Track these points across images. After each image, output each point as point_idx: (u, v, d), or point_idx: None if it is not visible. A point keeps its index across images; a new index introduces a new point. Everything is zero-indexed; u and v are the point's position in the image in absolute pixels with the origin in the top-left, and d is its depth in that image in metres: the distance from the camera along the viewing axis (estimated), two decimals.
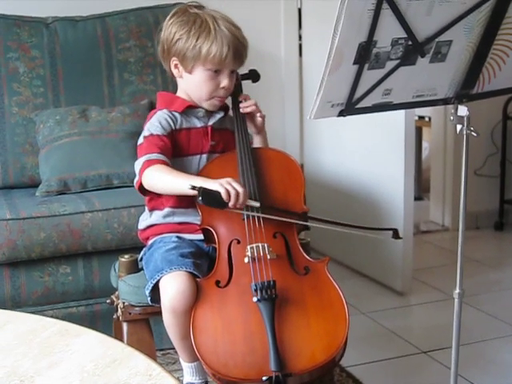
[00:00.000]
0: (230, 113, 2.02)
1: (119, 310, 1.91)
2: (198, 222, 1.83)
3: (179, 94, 1.98)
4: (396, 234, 1.82)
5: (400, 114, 2.96)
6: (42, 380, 1.21)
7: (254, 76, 2.11)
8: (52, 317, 2.33)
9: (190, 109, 1.94)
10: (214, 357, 1.60)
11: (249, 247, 1.74)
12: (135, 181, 1.86)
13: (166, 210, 1.90)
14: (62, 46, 2.93)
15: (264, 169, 1.90)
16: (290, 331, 1.62)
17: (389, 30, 1.46)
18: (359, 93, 1.55)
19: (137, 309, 1.88)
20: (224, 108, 1.99)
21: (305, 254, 1.80)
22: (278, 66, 3.67)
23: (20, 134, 2.82)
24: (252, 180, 1.84)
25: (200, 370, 1.84)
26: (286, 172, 1.93)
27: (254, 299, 1.62)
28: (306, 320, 1.65)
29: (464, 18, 1.50)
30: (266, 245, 1.75)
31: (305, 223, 1.83)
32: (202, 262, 1.81)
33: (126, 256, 1.95)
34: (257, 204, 1.74)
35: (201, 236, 1.86)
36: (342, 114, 1.58)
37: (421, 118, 4.52)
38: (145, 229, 1.97)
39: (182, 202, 1.85)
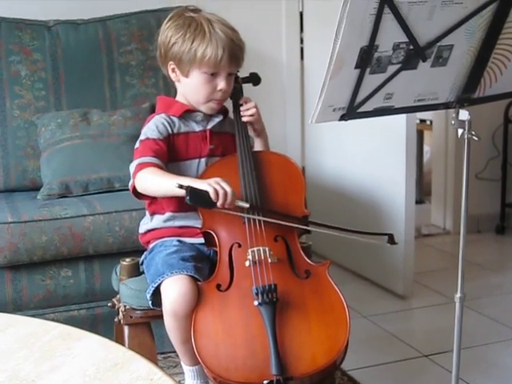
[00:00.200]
0: (230, 115, 2.02)
1: (120, 313, 1.91)
2: (199, 226, 1.83)
3: (178, 98, 1.98)
4: (391, 239, 1.81)
5: (401, 117, 2.96)
6: None
7: (254, 79, 2.11)
8: (53, 320, 2.33)
9: (188, 113, 1.94)
10: (215, 360, 1.60)
11: (250, 251, 1.74)
12: (129, 184, 1.86)
13: (167, 214, 1.90)
14: (63, 49, 2.94)
15: (265, 172, 1.90)
16: (291, 335, 1.62)
17: (390, 35, 1.46)
18: (361, 97, 1.55)
19: (138, 312, 1.88)
20: (223, 111, 1.99)
21: (306, 258, 1.80)
22: (280, 69, 3.68)
23: (22, 137, 2.82)
24: (253, 183, 1.84)
25: (201, 374, 1.84)
26: (286, 175, 1.93)
27: (255, 303, 1.62)
28: (307, 324, 1.65)
29: (465, 23, 1.51)
30: (266, 248, 1.75)
31: (300, 226, 1.82)
32: (203, 265, 1.81)
33: (128, 259, 1.95)
34: (246, 205, 1.73)
35: (202, 240, 1.86)
36: (343, 118, 1.59)
37: (422, 121, 4.52)
38: (145, 233, 1.97)
39: (183, 206, 1.85)
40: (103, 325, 2.45)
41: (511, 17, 1.55)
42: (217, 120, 1.96)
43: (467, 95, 1.68)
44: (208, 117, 1.95)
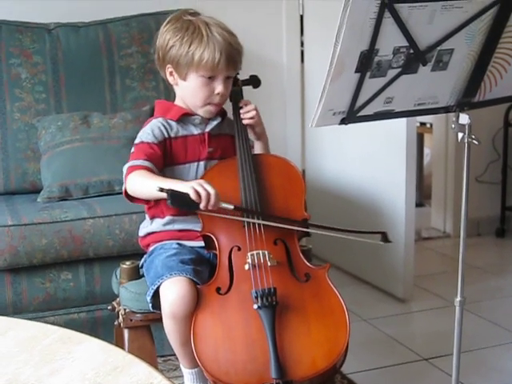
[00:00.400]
0: (229, 116, 2.01)
1: (120, 316, 1.91)
2: (199, 229, 1.83)
3: (177, 101, 1.98)
4: (385, 238, 1.81)
5: (401, 120, 2.95)
6: None
7: (254, 82, 2.11)
8: (53, 323, 2.33)
9: (186, 116, 1.94)
10: (215, 364, 1.60)
11: (249, 254, 1.74)
12: (123, 188, 1.86)
13: (167, 217, 1.90)
14: (64, 52, 2.94)
15: (264, 175, 1.90)
16: (291, 338, 1.62)
17: (390, 39, 1.46)
18: (361, 101, 1.55)
19: (138, 315, 1.88)
20: (221, 113, 1.99)
21: (305, 261, 1.80)
22: (280, 72, 3.68)
23: (22, 140, 2.83)
24: (252, 186, 1.84)
25: (201, 377, 1.84)
26: (286, 178, 1.93)
27: (255, 306, 1.62)
28: (307, 327, 1.65)
29: (465, 27, 1.51)
30: (266, 252, 1.75)
31: (295, 228, 1.80)
32: (203, 268, 1.81)
33: (128, 262, 1.95)
34: (230, 207, 1.71)
35: (201, 243, 1.86)
36: (343, 122, 1.59)
37: (422, 124, 4.52)
38: (145, 236, 1.97)
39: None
40: (103, 328, 2.45)
41: (511, 21, 1.55)
42: (215, 123, 1.95)
43: (467, 99, 1.68)
44: (206, 120, 1.95)
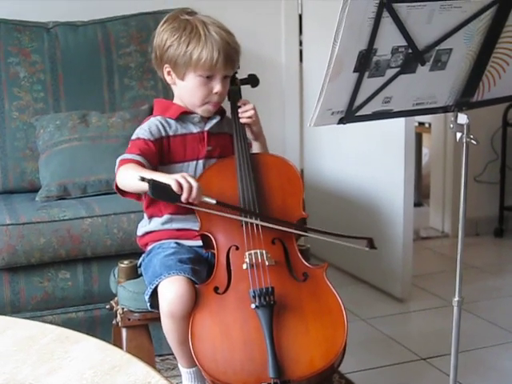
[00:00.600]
0: (228, 115, 2.01)
1: (118, 315, 1.91)
2: (197, 229, 1.83)
3: (175, 100, 1.98)
4: (371, 244, 1.80)
5: (400, 120, 2.96)
6: None
7: (253, 81, 2.11)
8: (51, 322, 2.34)
9: (185, 115, 1.94)
10: (213, 364, 1.60)
11: (247, 253, 1.74)
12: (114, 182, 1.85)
13: (165, 216, 1.90)
14: (62, 51, 2.93)
15: (263, 174, 1.90)
16: (289, 338, 1.62)
17: (389, 38, 1.46)
18: (359, 101, 1.55)
19: (136, 315, 1.88)
20: (220, 112, 1.98)
21: (303, 260, 1.80)
22: (279, 71, 3.68)
23: (20, 139, 2.82)
24: (250, 186, 1.84)
25: (199, 376, 1.84)
26: (284, 178, 1.93)
27: (253, 306, 1.62)
28: (305, 326, 1.65)
29: (464, 27, 1.51)
30: (264, 251, 1.75)
31: (276, 226, 1.78)
32: (201, 268, 1.81)
33: (126, 262, 1.95)
34: (213, 201, 1.70)
35: (200, 242, 1.86)
36: (341, 121, 1.59)
37: (421, 124, 4.52)
38: (143, 235, 1.97)
39: (181, 208, 1.85)
40: (101, 327, 2.45)
41: (510, 21, 1.55)
42: (214, 121, 1.95)
43: (466, 99, 1.68)
44: (205, 118, 1.95)
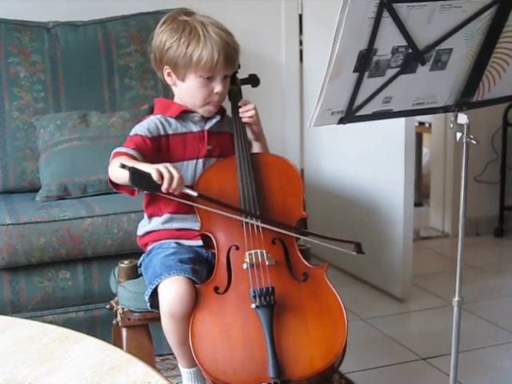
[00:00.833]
0: (228, 114, 2.01)
1: (118, 315, 1.91)
2: (197, 228, 1.83)
3: (176, 100, 1.97)
4: (358, 248, 1.78)
5: (400, 120, 2.96)
6: None
7: (253, 81, 2.11)
8: (51, 322, 2.34)
9: (185, 114, 1.94)
10: (214, 364, 1.59)
11: (247, 253, 1.74)
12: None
13: (165, 216, 1.90)
14: (62, 51, 2.94)
15: (263, 174, 1.90)
16: (289, 337, 1.62)
17: (389, 38, 1.46)
18: (359, 101, 1.55)
19: (136, 314, 1.88)
20: (220, 111, 1.98)
21: (304, 260, 1.80)
22: (279, 71, 3.68)
23: (20, 139, 2.82)
24: (251, 185, 1.84)
25: (199, 376, 1.84)
26: (285, 177, 1.93)
27: (253, 306, 1.62)
28: (305, 326, 1.65)
29: (464, 27, 1.50)
30: (264, 251, 1.75)
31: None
32: (201, 268, 1.81)
33: (126, 262, 1.95)
34: (194, 193, 1.70)
35: (200, 242, 1.86)
36: (341, 121, 1.58)
37: (421, 124, 4.52)
38: (144, 235, 1.97)
39: (181, 207, 1.85)
40: (101, 327, 2.45)
41: (510, 21, 1.55)
42: (214, 120, 1.95)
43: (466, 99, 1.68)
44: (206, 117, 1.95)
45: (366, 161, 3.34)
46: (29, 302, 2.39)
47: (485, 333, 2.80)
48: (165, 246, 1.87)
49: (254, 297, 1.62)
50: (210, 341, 1.63)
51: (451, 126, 1.69)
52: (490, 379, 2.42)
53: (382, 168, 3.20)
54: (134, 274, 1.95)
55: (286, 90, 3.71)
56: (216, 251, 1.79)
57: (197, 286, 1.71)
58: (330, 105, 1.52)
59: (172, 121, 1.93)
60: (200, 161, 1.93)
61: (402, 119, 2.96)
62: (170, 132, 1.91)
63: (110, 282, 2.08)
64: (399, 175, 3.07)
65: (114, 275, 2.03)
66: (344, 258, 3.46)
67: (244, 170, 1.86)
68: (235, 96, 2.02)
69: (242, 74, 2.07)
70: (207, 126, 1.95)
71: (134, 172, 1.62)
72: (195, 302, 1.69)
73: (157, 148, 1.88)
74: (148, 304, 1.78)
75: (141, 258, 1.95)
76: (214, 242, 1.80)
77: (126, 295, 1.88)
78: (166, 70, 1.91)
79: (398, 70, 1.52)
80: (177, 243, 1.88)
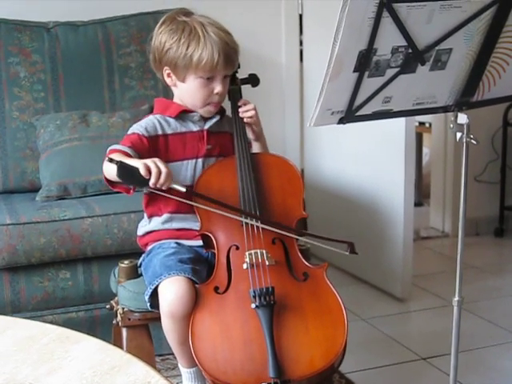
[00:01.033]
0: (228, 113, 2.01)
1: (119, 315, 1.91)
2: (197, 228, 1.83)
3: (175, 100, 1.97)
4: (352, 249, 1.78)
5: (400, 120, 2.95)
6: None
7: (253, 80, 2.11)
8: (51, 322, 2.34)
9: (185, 113, 1.94)
10: (214, 364, 1.60)
11: (247, 253, 1.74)
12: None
13: (165, 216, 1.90)
14: (62, 51, 2.94)
15: (263, 174, 1.90)
16: (289, 337, 1.62)
17: (389, 38, 1.46)
18: (359, 100, 1.55)
19: (136, 314, 1.88)
20: (220, 111, 1.98)
21: (303, 260, 1.80)
22: (279, 71, 3.68)
23: (20, 139, 2.83)
24: (251, 185, 1.84)
25: (199, 376, 1.84)
26: (285, 177, 1.93)
27: (253, 305, 1.62)
28: (305, 326, 1.65)
29: (464, 27, 1.50)
30: (264, 251, 1.75)
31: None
32: (201, 268, 1.81)
33: (126, 262, 1.95)
34: (182, 189, 1.68)
35: (200, 242, 1.86)
36: (341, 121, 1.58)
37: (421, 123, 4.52)
38: (144, 235, 1.97)
39: (181, 207, 1.85)
40: (101, 327, 2.45)
41: (510, 21, 1.55)
42: (214, 120, 1.95)
43: (466, 99, 1.68)
44: (205, 117, 1.95)
45: (365, 161, 3.34)
46: (29, 302, 2.39)
47: (485, 333, 2.80)
48: (165, 246, 1.88)
49: (254, 297, 1.62)
50: (210, 341, 1.63)
51: (451, 125, 1.69)
52: (489, 379, 2.42)
53: (382, 168, 3.20)
54: (134, 273, 1.95)
55: (286, 90, 3.71)
56: (216, 251, 1.79)
57: (197, 286, 1.71)
58: (329, 105, 1.52)
59: (171, 120, 1.93)
60: (199, 160, 1.93)
61: (402, 119, 2.95)
62: (169, 132, 1.92)
63: (110, 281, 2.08)
64: (399, 175, 3.07)
65: (114, 275, 2.03)
66: (344, 258, 3.44)
67: (244, 169, 1.86)
68: (235, 96, 2.02)
69: (241, 74, 2.07)
70: (207, 126, 1.95)
71: (121, 166, 1.62)
72: (195, 301, 1.69)
73: (153, 147, 1.88)
74: (148, 304, 1.78)
75: (141, 258, 1.96)
76: (214, 241, 1.80)
77: (126, 295, 1.88)
78: (166, 70, 1.91)
79: (397, 69, 1.52)
80: (177, 243, 1.88)
